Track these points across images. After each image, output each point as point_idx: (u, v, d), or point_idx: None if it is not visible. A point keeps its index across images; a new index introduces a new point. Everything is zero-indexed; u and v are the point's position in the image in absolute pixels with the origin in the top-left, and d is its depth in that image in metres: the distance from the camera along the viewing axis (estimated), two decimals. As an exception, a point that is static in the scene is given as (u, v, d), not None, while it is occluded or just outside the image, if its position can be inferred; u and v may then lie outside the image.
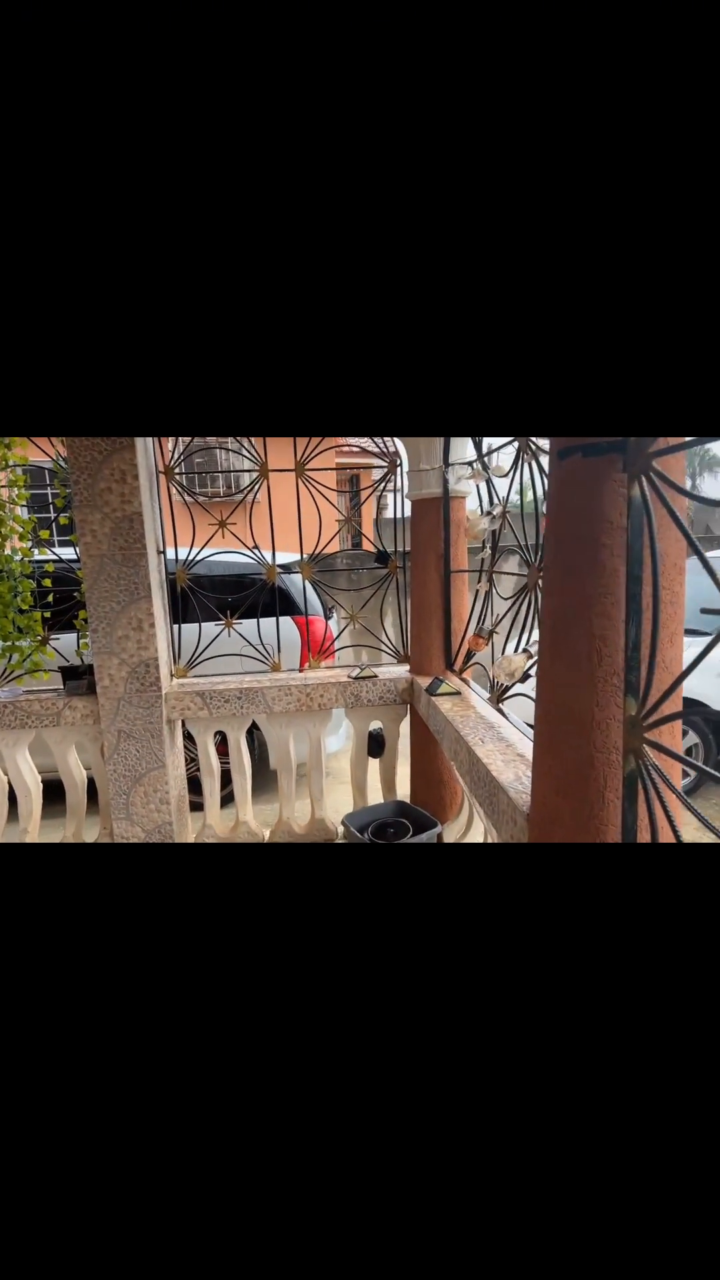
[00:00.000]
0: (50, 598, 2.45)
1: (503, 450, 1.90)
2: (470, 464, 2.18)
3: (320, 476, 2.42)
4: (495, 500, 1.93)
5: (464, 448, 2.22)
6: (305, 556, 2.48)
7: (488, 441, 1.99)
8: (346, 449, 9.42)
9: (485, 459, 1.99)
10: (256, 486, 2.39)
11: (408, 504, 2.37)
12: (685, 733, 3.23)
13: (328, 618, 3.43)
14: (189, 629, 2.48)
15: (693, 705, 3.40)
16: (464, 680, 2.19)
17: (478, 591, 2.12)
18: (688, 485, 0.84)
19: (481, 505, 2.16)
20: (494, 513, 1.86)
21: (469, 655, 2.14)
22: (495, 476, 1.89)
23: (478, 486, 2.15)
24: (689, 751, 3.40)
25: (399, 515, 2.47)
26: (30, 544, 2.35)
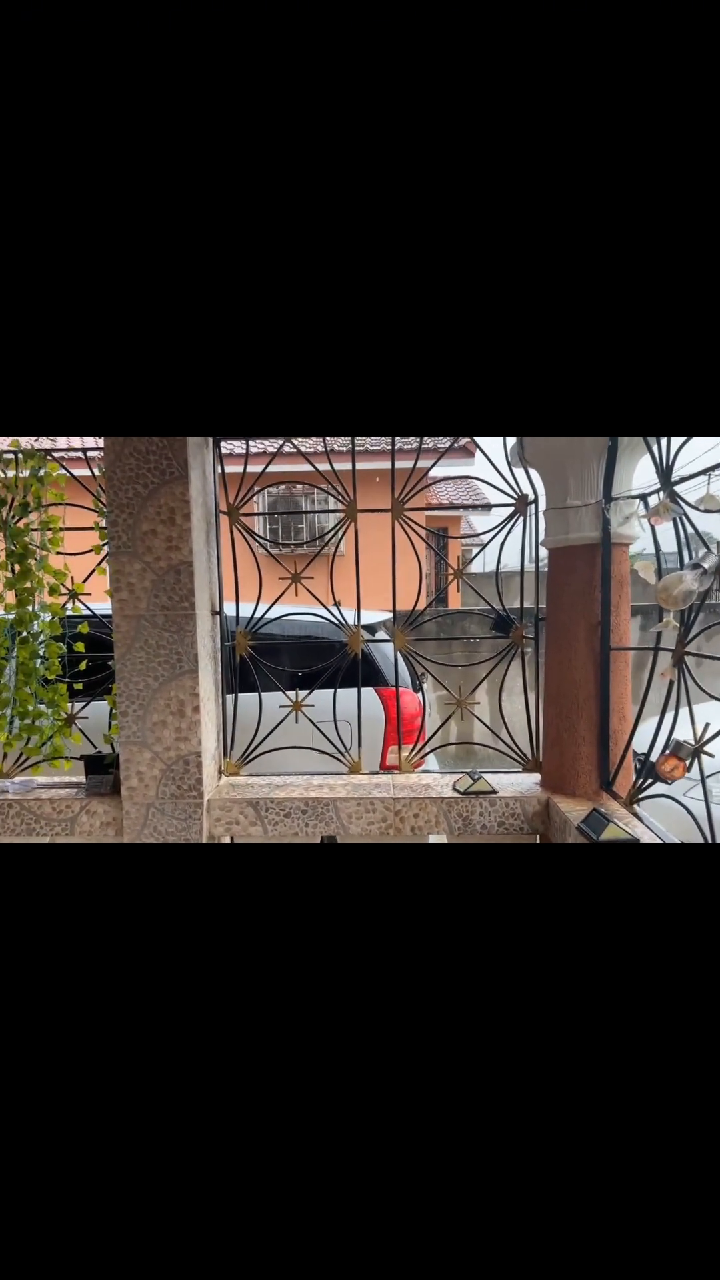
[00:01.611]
0: (84, 665, 1.99)
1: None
2: (643, 497, 1.53)
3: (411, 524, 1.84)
4: (703, 548, 1.26)
5: (630, 473, 1.58)
6: (397, 617, 1.89)
7: (683, 460, 1.34)
8: (436, 499, 8.94)
9: (675, 488, 1.34)
10: (341, 531, 1.85)
11: (498, 552, 1.73)
12: None
13: (417, 689, 2.80)
14: (247, 699, 1.93)
15: None
16: (636, 813, 1.46)
17: (653, 679, 1.43)
18: None
19: (662, 555, 1.49)
20: (706, 565, 1.19)
21: (645, 780, 1.42)
22: (708, 509, 1.23)
23: (652, 529, 1.49)
24: None
25: (529, 565, 1.84)
26: (64, 600, 1.92)
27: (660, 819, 1.43)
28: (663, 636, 1.51)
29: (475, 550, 1.91)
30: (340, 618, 1.85)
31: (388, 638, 2.77)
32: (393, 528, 1.83)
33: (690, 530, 1.34)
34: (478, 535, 1.84)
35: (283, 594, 1.88)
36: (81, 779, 1.86)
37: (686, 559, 1.38)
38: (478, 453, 1.89)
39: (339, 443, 4.92)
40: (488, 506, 1.92)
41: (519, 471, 1.79)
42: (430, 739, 1.91)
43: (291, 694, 1.88)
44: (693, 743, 1.24)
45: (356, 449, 1.83)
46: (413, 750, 1.88)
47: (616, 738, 1.60)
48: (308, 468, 1.88)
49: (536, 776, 1.80)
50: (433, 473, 1.85)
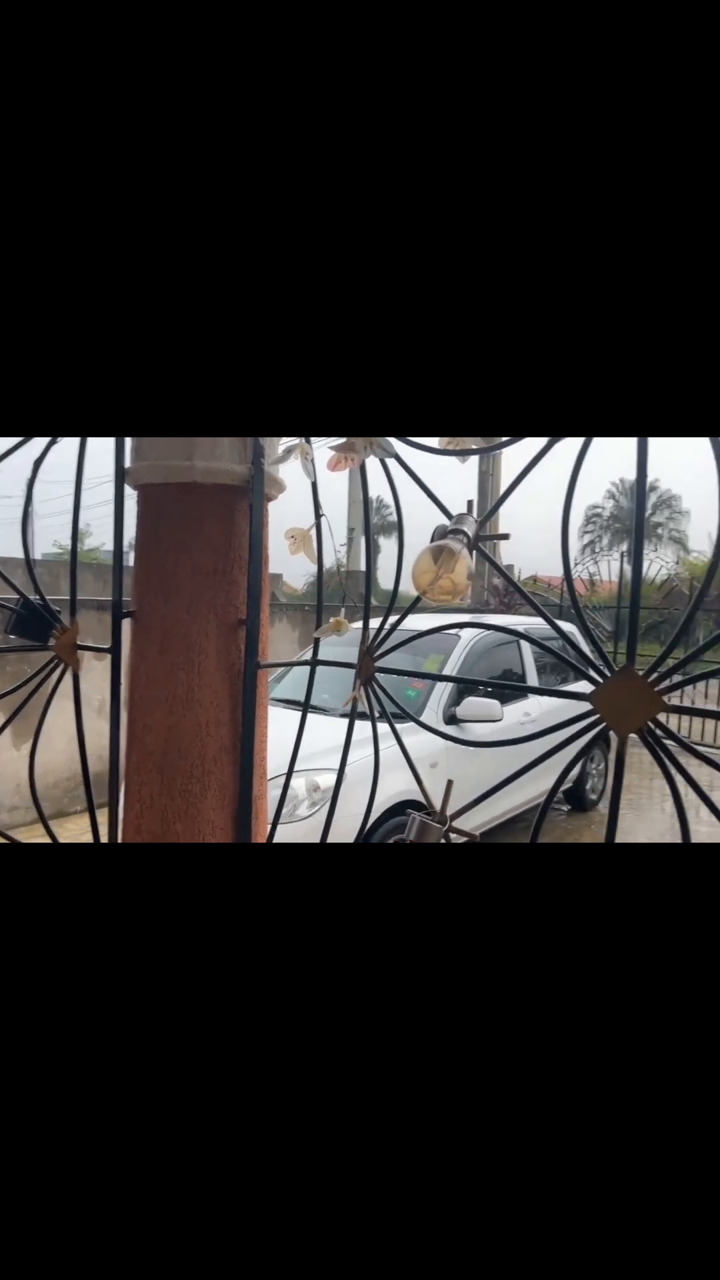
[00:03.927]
0: None
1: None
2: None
3: None
4: (451, 511, 0.82)
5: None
6: None
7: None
8: None
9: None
10: None
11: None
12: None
13: None
14: None
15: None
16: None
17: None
18: None
19: (330, 527, 0.98)
20: (466, 530, 0.75)
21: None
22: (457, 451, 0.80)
23: (312, 478, 0.97)
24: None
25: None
26: None
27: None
28: (320, 646, 1.03)
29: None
30: None
31: None
32: None
33: (395, 482, 0.90)
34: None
35: None
36: None
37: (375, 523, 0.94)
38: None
39: None
40: None
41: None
42: None
43: None
44: (437, 810, 0.80)
45: None
46: None
47: (258, 808, 1.01)
48: None
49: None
50: None
